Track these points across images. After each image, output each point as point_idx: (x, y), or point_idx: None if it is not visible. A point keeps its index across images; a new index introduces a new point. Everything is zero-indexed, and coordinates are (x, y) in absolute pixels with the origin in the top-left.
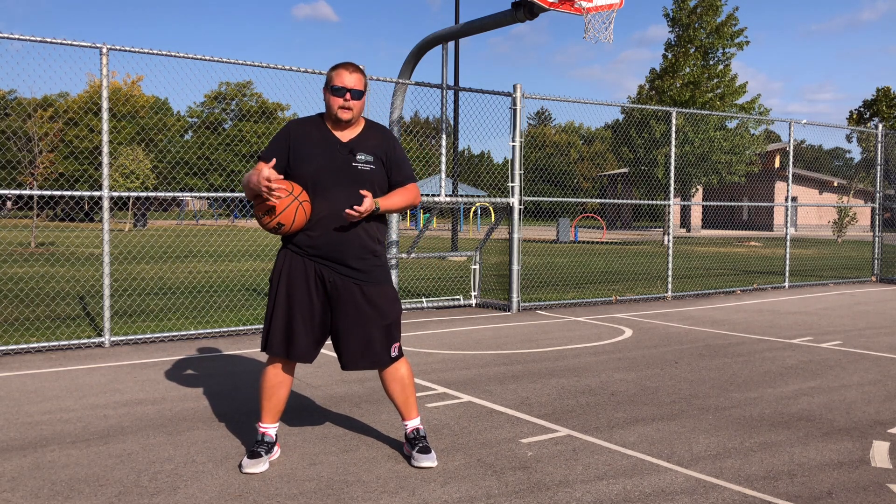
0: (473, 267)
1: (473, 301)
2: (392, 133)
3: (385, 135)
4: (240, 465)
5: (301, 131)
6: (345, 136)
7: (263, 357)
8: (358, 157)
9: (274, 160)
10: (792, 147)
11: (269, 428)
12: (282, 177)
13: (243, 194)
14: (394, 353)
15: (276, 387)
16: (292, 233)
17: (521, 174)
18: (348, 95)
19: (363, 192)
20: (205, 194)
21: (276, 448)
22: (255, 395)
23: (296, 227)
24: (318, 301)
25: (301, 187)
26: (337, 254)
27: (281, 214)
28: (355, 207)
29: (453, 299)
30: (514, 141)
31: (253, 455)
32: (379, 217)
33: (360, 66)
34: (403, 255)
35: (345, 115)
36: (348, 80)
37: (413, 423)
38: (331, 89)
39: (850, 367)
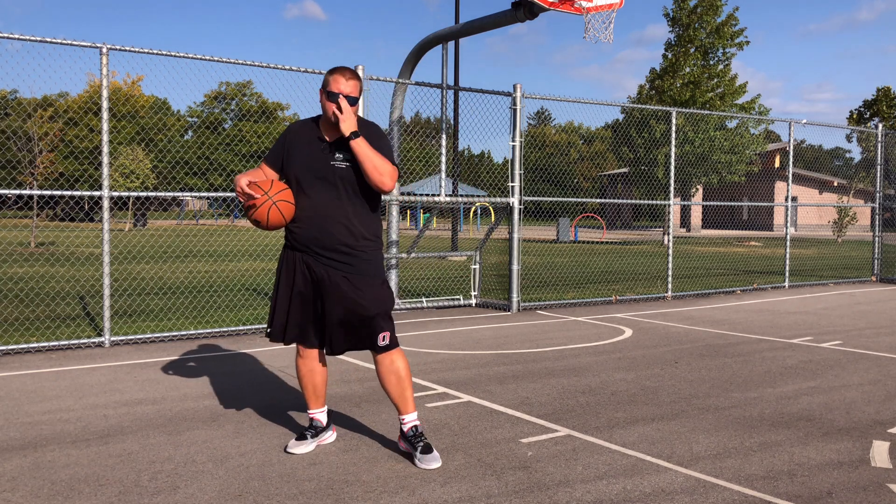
0: (473, 267)
1: (473, 301)
2: (378, 129)
3: (369, 131)
4: (285, 448)
5: (296, 133)
6: (332, 135)
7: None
8: (336, 155)
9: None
10: (792, 147)
11: (316, 413)
12: (257, 180)
13: None
14: (382, 342)
15: (307, 375)
16: (270, 229)
17: (521, 174)
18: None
19: (342, 116)
20: (205, 194)
21: (329, 432)
22: (256, 395)
23: (271, 224)
24: (308, 289)
25: (284, 186)
26: (319, 247)
27: (256, 212)
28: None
29: (453, 299)
30: (514, 141)
31: (300, 437)
32: (368, 213)
33: (357, 72)
34: (403, 255)
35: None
36: (344, 86)
37: (410, 418)
38: (326, 94)
39: (850, 366)
